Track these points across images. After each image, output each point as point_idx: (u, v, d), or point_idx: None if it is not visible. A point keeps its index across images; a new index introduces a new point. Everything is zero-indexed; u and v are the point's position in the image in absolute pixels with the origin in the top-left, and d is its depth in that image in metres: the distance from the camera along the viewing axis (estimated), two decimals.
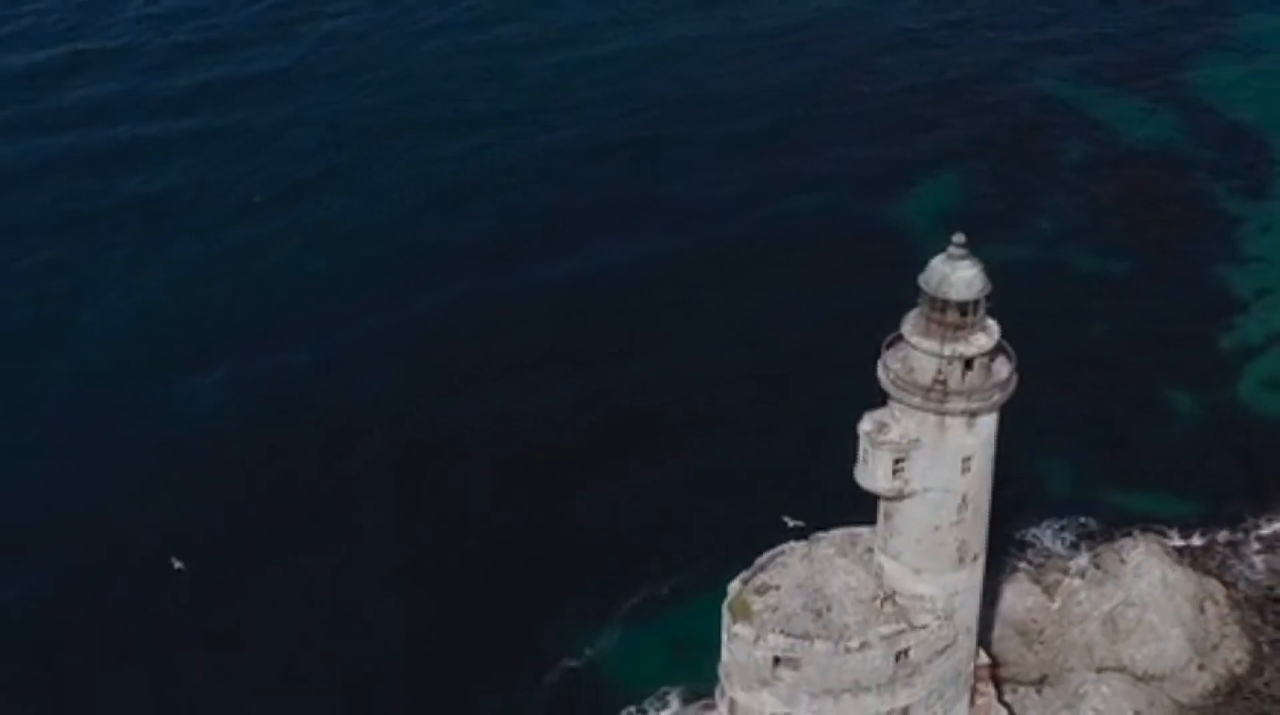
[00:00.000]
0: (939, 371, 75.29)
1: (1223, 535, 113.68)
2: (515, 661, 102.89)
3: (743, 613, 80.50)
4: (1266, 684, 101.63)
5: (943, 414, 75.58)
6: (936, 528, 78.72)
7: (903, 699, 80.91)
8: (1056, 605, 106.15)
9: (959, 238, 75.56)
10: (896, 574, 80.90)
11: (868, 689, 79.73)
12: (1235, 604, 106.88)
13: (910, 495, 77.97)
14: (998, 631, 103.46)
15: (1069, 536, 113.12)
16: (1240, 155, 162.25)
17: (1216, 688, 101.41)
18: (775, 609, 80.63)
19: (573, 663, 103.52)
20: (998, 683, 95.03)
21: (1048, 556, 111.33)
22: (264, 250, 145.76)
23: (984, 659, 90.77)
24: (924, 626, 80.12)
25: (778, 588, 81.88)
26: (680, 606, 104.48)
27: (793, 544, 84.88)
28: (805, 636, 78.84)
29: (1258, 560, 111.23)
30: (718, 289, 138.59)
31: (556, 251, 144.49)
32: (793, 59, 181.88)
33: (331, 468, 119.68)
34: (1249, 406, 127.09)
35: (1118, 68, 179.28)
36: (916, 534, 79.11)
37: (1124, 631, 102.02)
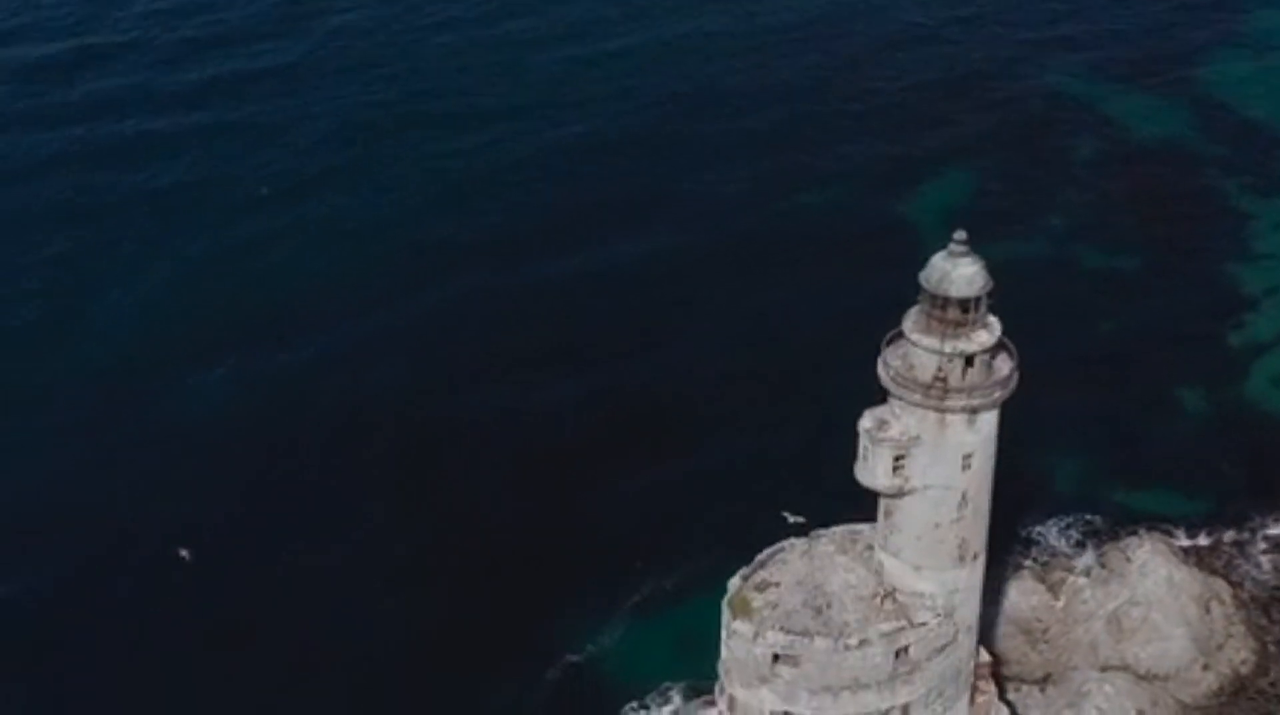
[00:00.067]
0: (939, 369, 74.98)
1: (1229, 534, 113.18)
2: (519, 656, 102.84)
3: (742, 609, 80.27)
4: (1272, 684, 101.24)
5: (943, 411, 75.24)
6: (936, 525, 78.39)
7: (902, 696, 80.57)
8: (1061, 604, 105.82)
9: (960, 234, 75.19)
10: (897, 571, 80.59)
11: (867, 686, 79.39)
12: (1241, 604, 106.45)
13: (910, 492, 77.64)
14: (1002, 629, 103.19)
15: (1074, 534, 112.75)
16: (1251, 152, 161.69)
17: (1221, 688, 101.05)
18: (775, 606, 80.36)
19: (576, 658, 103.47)
20: (999, 681, 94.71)
21: (1053, 555, 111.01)
22: (271, 245, 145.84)
23: (985, 657, 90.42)
24: (924, 624, 79.79)
25: (778, 584, 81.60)
26: (683, 602, 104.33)
27: (793, 541, 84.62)
28: (805, 633, 78.53)
29: (1264, 560, 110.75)
30: (725, 285, 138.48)
31: (564, 247, 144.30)
32: (802, 54, 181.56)
33: (337, 463, 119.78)
34: (1257, 405, 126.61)
35: (1128, 64, 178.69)
36: (916, 531, 78.79)
37: (1128, 630, 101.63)
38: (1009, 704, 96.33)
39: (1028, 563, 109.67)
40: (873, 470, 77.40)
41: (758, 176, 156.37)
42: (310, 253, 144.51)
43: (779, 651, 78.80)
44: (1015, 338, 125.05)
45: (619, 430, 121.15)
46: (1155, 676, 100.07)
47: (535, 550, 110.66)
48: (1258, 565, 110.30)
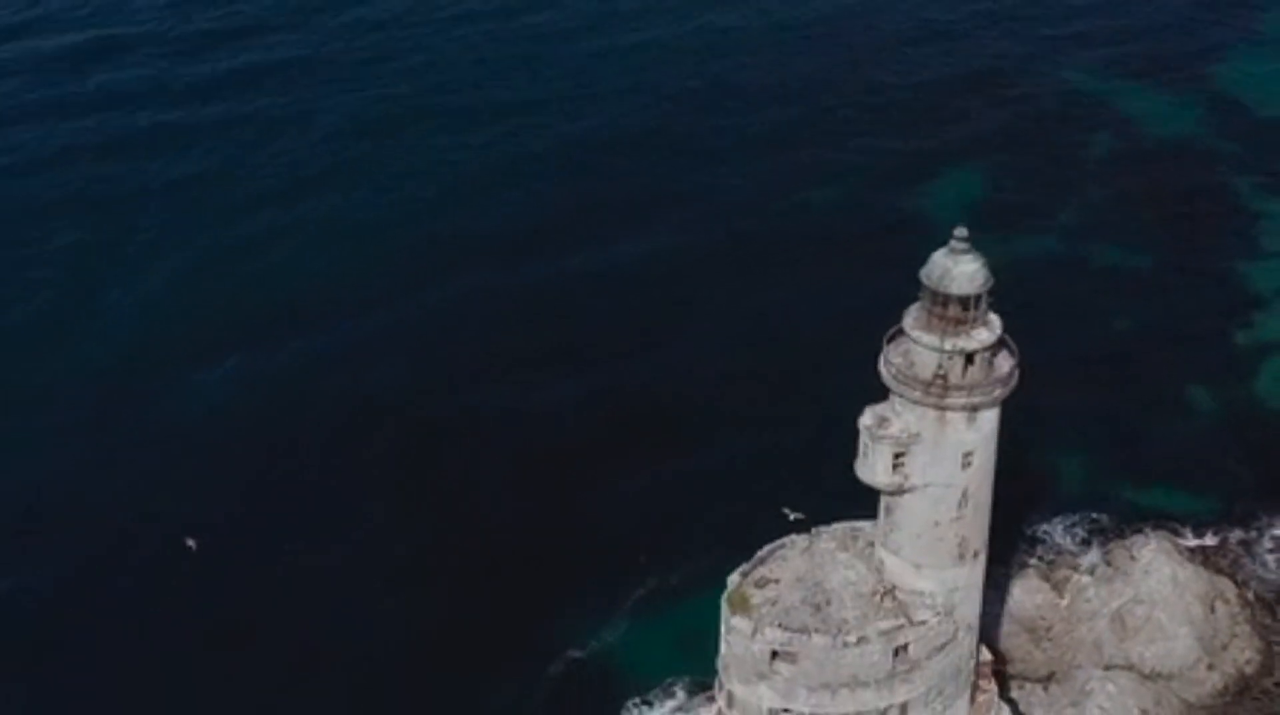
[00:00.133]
0: (940, 366, 74.79)
1: (1236, 534, 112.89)
2: (521, 653, 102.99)
3: (741, 606, 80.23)
4: (1276, 684, 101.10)
5: (943, 409, 75.09)
6: (936, 523, 78.22)
7: (901, 695, 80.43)
8: (1065, 602, 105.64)
9: (961, 231, 75.01)
10: (897, 569, 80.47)
11: (866, 684, 79.27)
12: (1246, 603, 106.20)
13: (910, 490, 77.49)
14: (1006, 628, 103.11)
15: (1080, 533, 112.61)
16: (1266, 151, 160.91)
17: (1225, 687, 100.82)
18: (774, 602, 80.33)
19: (578, 654, 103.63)
20: (1001, 679, 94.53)
21: (1058, 553, 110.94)
22: (279, 240, 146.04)
23: (986, 655, 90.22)
24: (923, 622, 79.64)
25: (777, 581, 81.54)
26: (686, 599, 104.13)
27: (793, 537, 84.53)
28: (803, 630, 78.46)
29: (1270, 559, 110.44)
30: (733, 282, 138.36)
31: (572, 244, 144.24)
32: (816, 50, 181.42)
33: (340, 461, 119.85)
34: (1266, 404, 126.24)
35: (1144, 61, 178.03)
36: (916, 529, 78.65)
37: (1132, 629, 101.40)
38: (1012, 702, 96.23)
39: (1033, 561, 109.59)
40: (873, 467, 77.27)
41: (769, 172, 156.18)
42: (317, 249, 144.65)
43: (777, 648, 78.73)
44: (1025, 334, 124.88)
45: (621, 428, 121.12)
46: (1159, 676, 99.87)
47: (538, 547, 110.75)
48: (1264, 564, 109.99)
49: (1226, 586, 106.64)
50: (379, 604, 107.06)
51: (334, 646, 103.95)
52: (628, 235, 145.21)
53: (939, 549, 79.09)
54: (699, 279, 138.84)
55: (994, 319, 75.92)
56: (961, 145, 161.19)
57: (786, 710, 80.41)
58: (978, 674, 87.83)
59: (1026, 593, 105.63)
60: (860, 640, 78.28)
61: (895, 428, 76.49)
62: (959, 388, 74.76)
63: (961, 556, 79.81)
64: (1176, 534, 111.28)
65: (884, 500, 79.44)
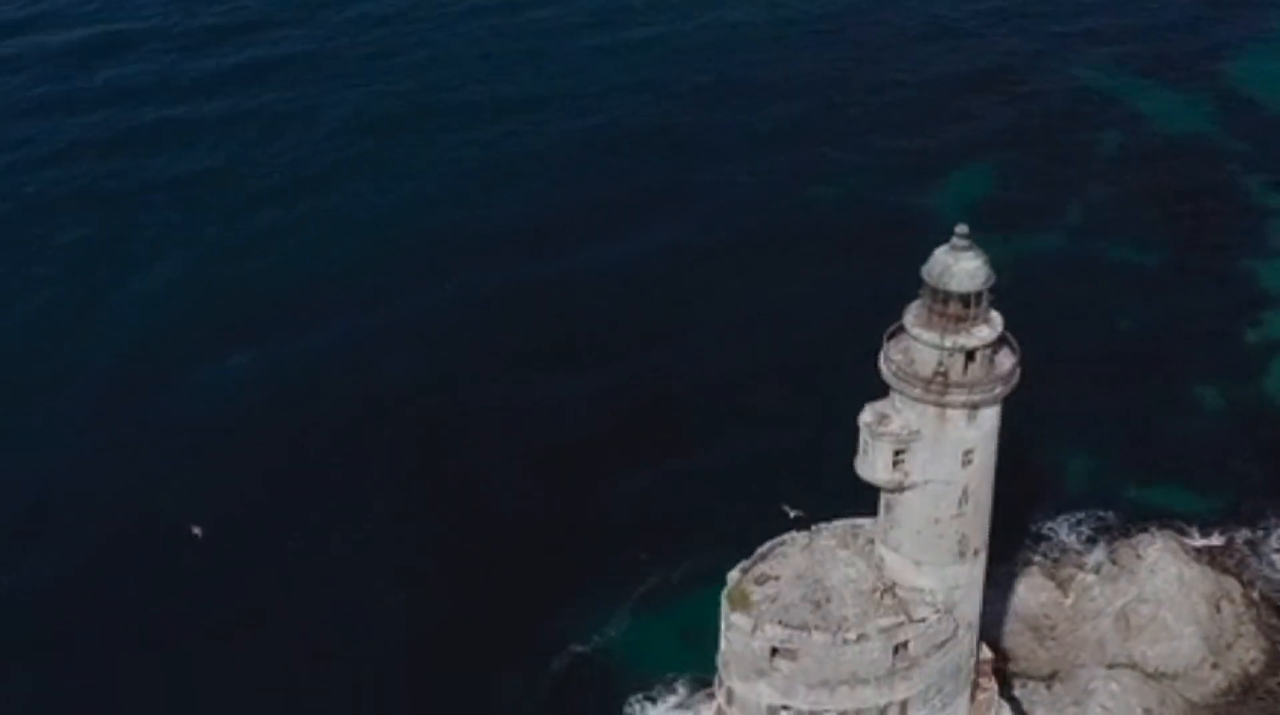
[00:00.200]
0: (940, 363, 74.48)
1: (1243, 533, 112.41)
2: (525, 647, 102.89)
3: (741, 602, 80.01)
4: None
5: (943, 406, 74.78)
6: (937, 521, 77.96)
7: (901, 692, 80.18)
8: (1070, 601, 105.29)
9: (962, 228, 74.71)
10: (897, 566, 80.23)
11: (865, 681, 79.02)
12: (1252, 603, 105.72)
13: (910, 488, 77.21)
14: (1010, 626, 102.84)
15: (1086, 531, 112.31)
16: (1276, 149, 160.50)
17: (1230, 687, 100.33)
18: (774, 599, 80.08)
19: (582, 649, 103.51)
20: (1002, 677, 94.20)
21: (1063, 551, 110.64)
22: (287, 234, 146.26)
23: (987, 654, 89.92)
24: (923, 620, 79.34)
25: (777, 578, 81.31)
26: (689, 595, 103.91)
27: (794, 534, 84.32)
28: (803, 627, 78.19)
29: (1277, 559, 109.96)
30: (740, 279, 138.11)
31: (579, 241, 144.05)
32: (825, 47, 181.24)
33: (348, 453, 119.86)
34: (1274, 402, 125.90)
35: (1154, 58, 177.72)
36: (916, 526, 78.39)
37: (1136, 628, 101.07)
38: (1014, 700, 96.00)
39: (1037, 559, 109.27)
40: (873, 464, 77.03)
41: (777, 169, 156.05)
42: (322, 244, 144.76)
43: (777, 645, 78.48)
44: (1033, 332, 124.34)
45: (625, 424, 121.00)
46: (1163, 675, 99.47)
47: (541, 543, 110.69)
48: (1270, 564, 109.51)
49: (1232, 586, 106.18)
50: (383, 597, 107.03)
51: (337, 640, 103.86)
52: (633, 232, 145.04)
53: (939, 546, 78.84)
54: (704, 276, 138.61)
55: (995, 316, 75.58)
56: (969, 143, 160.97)
57: (786, 707, 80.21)
58: (978, 672, 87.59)
59: (1031, 591, 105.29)
60: (860, 637, 78.01)
61: (895, 425, 76.22)
62: (959, 385, 74.48)
63: (962, 554, 79.54)
64: (1183, 533, 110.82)
65: (884, 497, 79.17)
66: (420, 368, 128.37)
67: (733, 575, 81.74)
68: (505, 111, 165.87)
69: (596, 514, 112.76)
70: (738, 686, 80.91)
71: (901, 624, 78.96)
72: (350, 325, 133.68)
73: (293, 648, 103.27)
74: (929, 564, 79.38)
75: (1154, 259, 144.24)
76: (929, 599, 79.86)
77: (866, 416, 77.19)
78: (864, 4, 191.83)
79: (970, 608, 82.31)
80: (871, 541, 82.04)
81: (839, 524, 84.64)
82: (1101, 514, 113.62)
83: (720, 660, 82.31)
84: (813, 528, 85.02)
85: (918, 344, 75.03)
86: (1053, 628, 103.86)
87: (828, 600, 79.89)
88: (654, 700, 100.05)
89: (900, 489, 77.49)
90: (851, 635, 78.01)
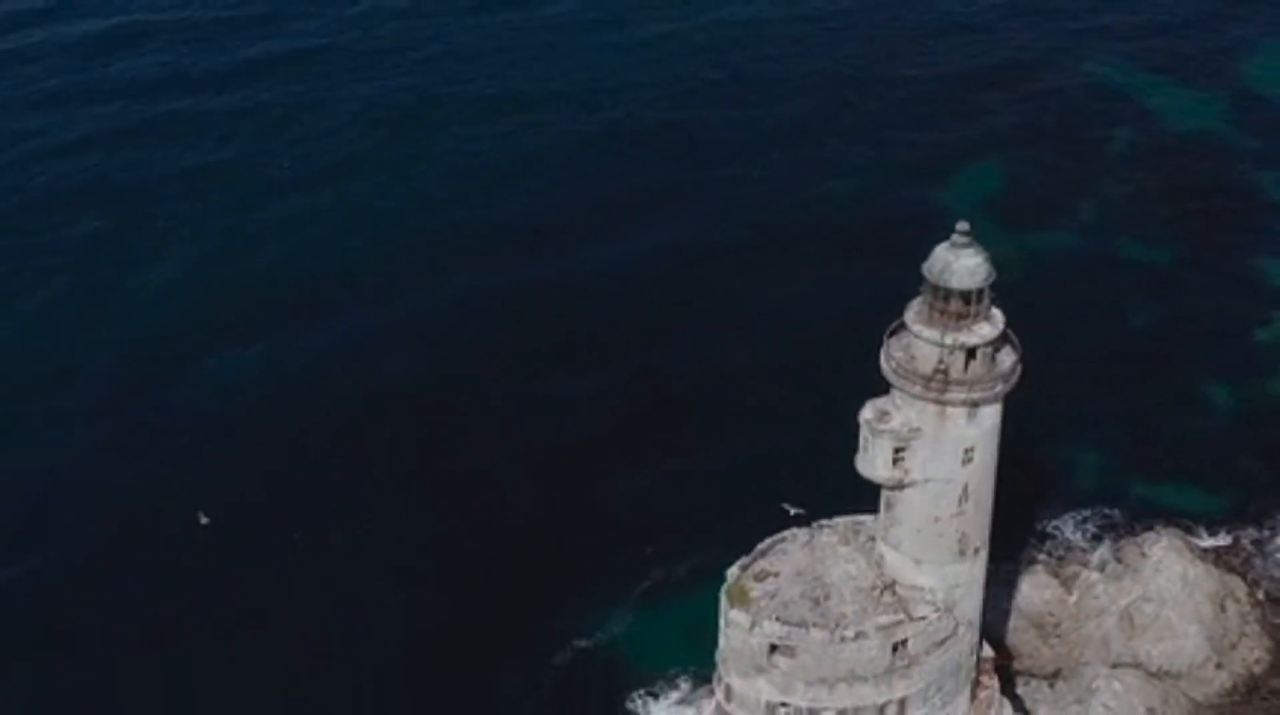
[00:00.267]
0: (940, 361, 74.34)
1: (1249, 532, 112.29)
2: (529, 642, 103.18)
3: (740, 599, 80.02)
4: None
5: (943, 404, 74.71)
6: (937, 519, 77.89)
7: (900, 690, 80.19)
8: (1074, 599, 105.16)
9: (963, 225, 74.51)
10: (897, 564, 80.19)
11: (864, 679, 79.11)
12: (1257, 602, 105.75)
13: (910, 485, 77.20)
14: (1013, 623, 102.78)
15: (1091, 528, 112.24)
16: None
17: (1234, 686, 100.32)
18: (773, 596, 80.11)
19: (585, 644, 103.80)
20: (1003, 675, 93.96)
21: (1068, 549, 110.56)
22: (298, 228, 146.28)
23: (988, 652, 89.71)
24: (922, 618, 79.34)
25: (777, 574, 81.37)
26: (692, 591, 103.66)
27: (794, 531, 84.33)
28: (802, 624, 78.25)
29: None
30: (748, 276, 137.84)
31: (588, 237, 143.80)
32: (839, 43, 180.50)
33: (356, 446, 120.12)
34: None
35: (1168, 55, 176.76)
36: (916, 524, 78.33)
37: (1140, 627, 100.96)
38: (1017, 699, 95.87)
39: (1042, 557, 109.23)
40: (873, 462, 77.02)
41: (786, 166, 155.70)
42: (334, 237, 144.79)
43: (775, 642, 78.59)
44: (1043, 329, 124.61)
45: (630, 421, 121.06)
46: (1167, 674, 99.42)
47: (545, 539, 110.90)
48: (1277, 564, 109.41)
49: (1237, 585, 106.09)
50: (386, 593, 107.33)
51: (339, 635, 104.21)
52: (642, 229, 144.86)
53: (939, 544, 78.79)
54: (711, 273, 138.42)
55: (996, 314, 75.45)
56: (980, 139, 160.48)
57: (785, 704, 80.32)
58: (979, 670, 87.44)
59: (1035, 589, 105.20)
60: (858, 635, 78.06)
61: (896, 422, 76.20)
62: (960, 383, 74.41)
63: (962, 552, 79.44)
64: (1189, 532, 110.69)
65: (885, 495, 79.17)
66: (425, 364, 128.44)
67: (732, 571, 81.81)
68: (516, 107, 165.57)
69: (599, 510, 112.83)
70: (736, 683, 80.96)
71: (900, 622, 78.99)
72: (357, 321, 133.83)
73: (294, 642, 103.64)
74: (929, 562, 79.34)
75: (1165, 257, 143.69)
76: (929, 597, 79.85)
77: (867, 413, 77.18)
78: (877, 1, 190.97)
79: (970, 606, 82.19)
80: (872, 539, 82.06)
81: (840, 521, 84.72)
82: (1108, 512, 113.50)
83: (719, 657, 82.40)
84: (814, 524, 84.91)
85: (918, 341, 74.98)
86: (1057, 626, 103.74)
87: (827, 597, 79.90)
88: (656, 696, 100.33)
89: (900, 486, 77.46)
90: (850, 632, 78.10)
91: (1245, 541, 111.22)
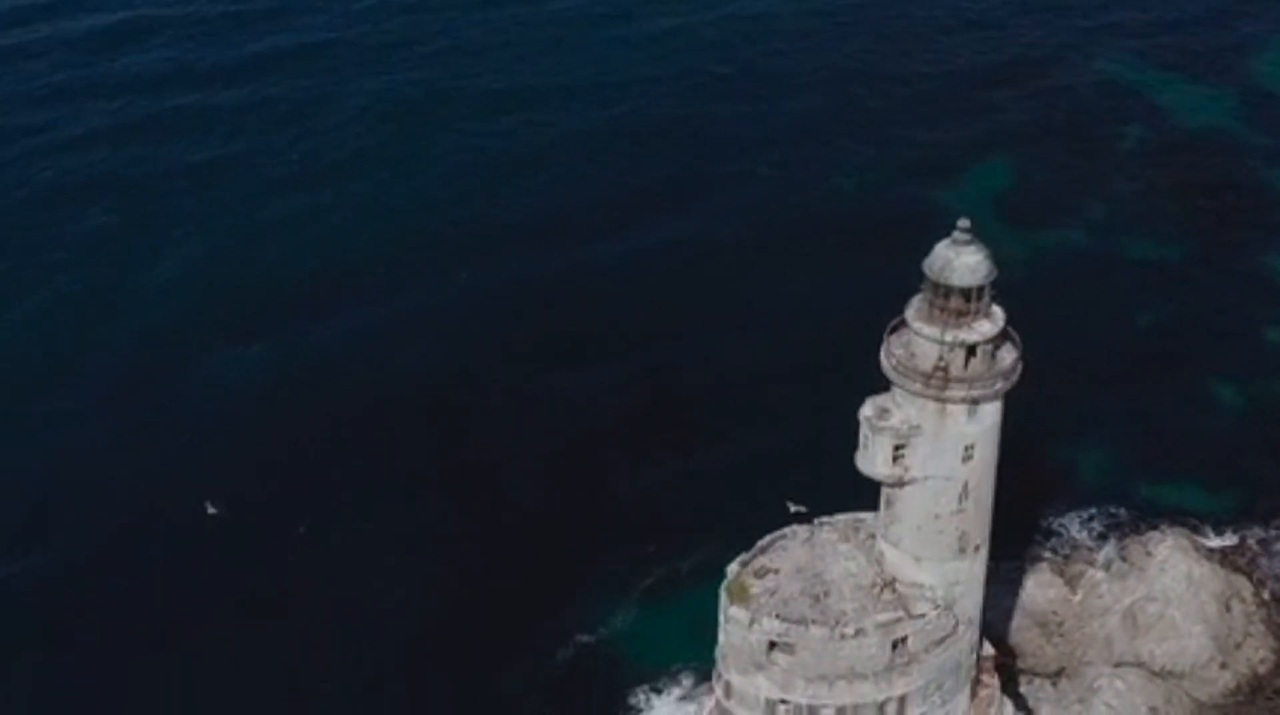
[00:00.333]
0: (940, 358, 74.02)
1: (1255, 532, 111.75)
2: (533, 635, 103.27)
3: (740, 595, 79.79)
4: None
5: (943, 401, 74.34)
6: (936, 516, 77.58)
7: (899, 688, 79.84)
8: (1078, 598, 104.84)
9: (964, 222, 74.12)
10: (897, 561, 79.90)
11: (863, 676, 78.77)
12: (1262, 602, 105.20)
13: (910, 482, 76.85)
14: (1017, 622, 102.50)
15: (1097, 527, 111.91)
16: None
17: (1238, 686, 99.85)
18: (773, 592, 79.85)
19: (588, 638, 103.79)
20: (1005, 674, 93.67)
21: (1073, 547, 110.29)
22: (307, 222, 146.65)
23: (989, 650, 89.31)
24: (922, 615, 79.00)
25: (777, 571, 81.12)
26: (697, 587, 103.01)
27: (795, 527, 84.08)
28: (801, 621, 77.91)
29: None
30: (757, 272, 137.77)
31: (597, 233, 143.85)
32: (848, 38, 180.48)
33: (363, 439, 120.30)
34: None
35: (1179, 52, 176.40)
36: (916, 521, 78.03)
37: (1144, 626, 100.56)
38: (1020, 697, 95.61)
39: (1047, 555, 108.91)
40: (872, 459, 76.73)
41: (795, 162, 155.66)
42: (345, 230, 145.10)
43: (775, 639, 78.29)
44: (1051, 326, 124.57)
45: (637, 416, 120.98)
46: (1170, 674, 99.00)
47: (550, 534, 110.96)
48: None
49: (1243, 585, 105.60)
50: (392, 586, 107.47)
51: (345, 627, 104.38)
52: (649, 225, 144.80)
53: (939, 542, 78.47)
54: (718, 269, 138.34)
55: (997, 311, 75.04)
56: (990, 136, 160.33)
57: (784, 701, 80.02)
58: (980, 669, 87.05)
59: (1039, 587, 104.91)
60: (858, 632, 77.74)
61: (895, 419, 75.90)
62: (960, 380, 74.05)
63: (962, 550, 79.12)
64: (1195, 531, 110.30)
65: (885, 492, 78.85)
66: (431, 360, 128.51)
67: (732, 568, 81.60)
68: (523, 102, 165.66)
69: (603, 506, 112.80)
70: (736, 679, 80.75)
71: (900, 619, 78.65)
72: (363, 316, 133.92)
73: (299, 634, 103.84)
74: (929, 559, 79.04)
75: (1174, 254, 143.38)
76: (929, 595, 79.55)
77: (867, 410, 76.91)
78: None
79: (970, 604, 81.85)
80: (873, 536, 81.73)
81: (841, 518, 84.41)
82: (1113, 510, 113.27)
83: (719, 653, 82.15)
84: (815, 521, 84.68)
85: (918, 338, 74.66)
86: (1060, 624, 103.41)
87: (826, 594, 79.64)
88: (659, 691, 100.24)
89: (900, 484, 77.17)
90: (849, 630, 77.75)
91: (1251, 541, 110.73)
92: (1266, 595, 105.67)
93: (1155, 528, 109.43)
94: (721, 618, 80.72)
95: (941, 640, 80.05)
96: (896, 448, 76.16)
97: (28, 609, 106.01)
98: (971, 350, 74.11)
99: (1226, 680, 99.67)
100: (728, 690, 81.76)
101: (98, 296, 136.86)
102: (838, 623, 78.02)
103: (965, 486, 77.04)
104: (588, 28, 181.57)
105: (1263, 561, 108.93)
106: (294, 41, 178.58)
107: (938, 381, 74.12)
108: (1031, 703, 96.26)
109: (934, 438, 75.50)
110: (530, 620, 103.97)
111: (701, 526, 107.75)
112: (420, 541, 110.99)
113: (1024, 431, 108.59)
